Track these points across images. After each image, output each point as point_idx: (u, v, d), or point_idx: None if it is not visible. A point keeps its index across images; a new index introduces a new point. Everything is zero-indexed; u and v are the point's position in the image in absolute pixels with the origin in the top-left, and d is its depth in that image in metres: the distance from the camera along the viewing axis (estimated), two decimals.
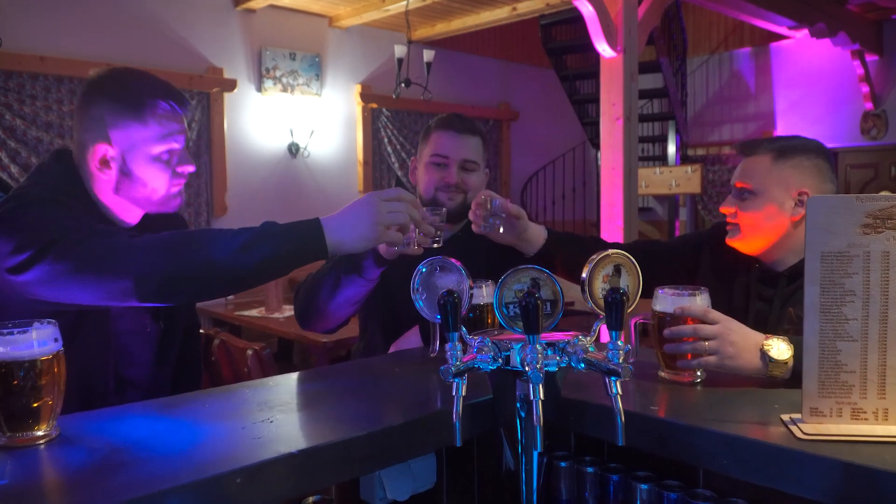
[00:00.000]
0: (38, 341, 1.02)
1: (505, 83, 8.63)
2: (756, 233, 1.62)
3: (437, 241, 1.57)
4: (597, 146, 7.16)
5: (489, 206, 1.64)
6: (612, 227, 4.55)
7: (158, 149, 1.46)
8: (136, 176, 1.46)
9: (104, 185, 1.47)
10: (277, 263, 1.30)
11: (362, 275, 1.61)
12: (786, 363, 1.25)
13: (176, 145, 1.49)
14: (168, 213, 1.72)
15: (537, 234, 1.73)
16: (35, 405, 1.01)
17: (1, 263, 1.29)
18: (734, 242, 1.66)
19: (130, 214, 1.54)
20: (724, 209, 1.67)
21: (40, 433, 1.02)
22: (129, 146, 1.45)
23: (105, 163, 1.45)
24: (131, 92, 1.46)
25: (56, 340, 1.04)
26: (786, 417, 1.08)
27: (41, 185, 1.45)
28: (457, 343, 1.02)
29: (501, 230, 1.67)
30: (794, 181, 1.59)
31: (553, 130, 9.08)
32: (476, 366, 1.04)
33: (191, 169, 1.53)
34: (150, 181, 1.47)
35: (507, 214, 1.66)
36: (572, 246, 1.78)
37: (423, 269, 1.16)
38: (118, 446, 1.01)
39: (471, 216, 1.68)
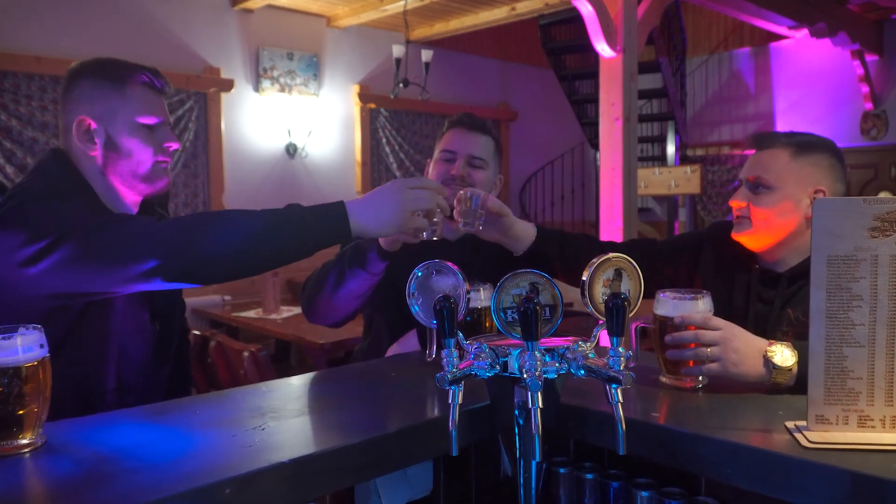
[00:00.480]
0: (23, 347, 0.99)
1: (503, 83, 8.61)
2: (767, 228, 1.58)
3: (436, 234, 1.55)
4: (596, 146, 7.14)
5: (469, 204, 1.60)
6: (612, 227, 4.53)
7: (140, 118, 1.48)
8: (120, 146, 1.48)
9: (95, 167, 1.47)
10: (300, 246, 1.31)
11: (366, 268, 1.59)
12: (790, 370, 1.22)
13: (157, 119, 1.51)
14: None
15: (525, 231, 1.69)
16: (20, 413, 0.99)
17: (12, 258, 1.29)
18: (741, 237, 1.61)
19: (128, 198, 1.54)
20: (734, 202, 1.63)
21: (25, 441, 1.00)
22: (111, 116, 1.47)
23: (89, 136, 1.47)
24: (110, 68, 1.50)
25: (42, 346, 1.02)
26: (790, 425, 1.06)
27: (43, 180, 1.45)
28: (453, 349, 1.00)
29: (480, 227, 1.61)
30: (812, 179, 1.56)
31: (552, 131, 9.06)
32: (473, 372, 1.02)
33: (175, 146, 1.55)
34: (134, 151, 1.48)
35: (487, 212, 1.61)
36: (564, 244, 1.74)
37: (419, 273, 1.14)
38: (105, 455, 0.99)
39: (454, 214, 1.65)
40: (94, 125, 1.46)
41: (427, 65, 5.64)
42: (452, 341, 1.00)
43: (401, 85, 5.55)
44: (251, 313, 4.91)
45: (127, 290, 1.36)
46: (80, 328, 1.40)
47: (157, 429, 1.12)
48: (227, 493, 0.89)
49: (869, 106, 7.88)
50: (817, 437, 1.01)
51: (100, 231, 1.29)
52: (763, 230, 1.58)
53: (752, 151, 1.66)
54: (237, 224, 1.29)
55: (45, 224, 1.29)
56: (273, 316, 4.73)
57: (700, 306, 1.31)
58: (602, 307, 1.07)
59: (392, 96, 5.89)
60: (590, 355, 1.03)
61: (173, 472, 0.93)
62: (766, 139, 1.62)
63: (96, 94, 1.47)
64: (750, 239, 1.61)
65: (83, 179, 1.48)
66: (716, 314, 1.32)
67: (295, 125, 6.55)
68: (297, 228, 1.29)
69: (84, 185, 1.47)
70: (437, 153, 1.91)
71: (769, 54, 8.63)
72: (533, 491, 1.12)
